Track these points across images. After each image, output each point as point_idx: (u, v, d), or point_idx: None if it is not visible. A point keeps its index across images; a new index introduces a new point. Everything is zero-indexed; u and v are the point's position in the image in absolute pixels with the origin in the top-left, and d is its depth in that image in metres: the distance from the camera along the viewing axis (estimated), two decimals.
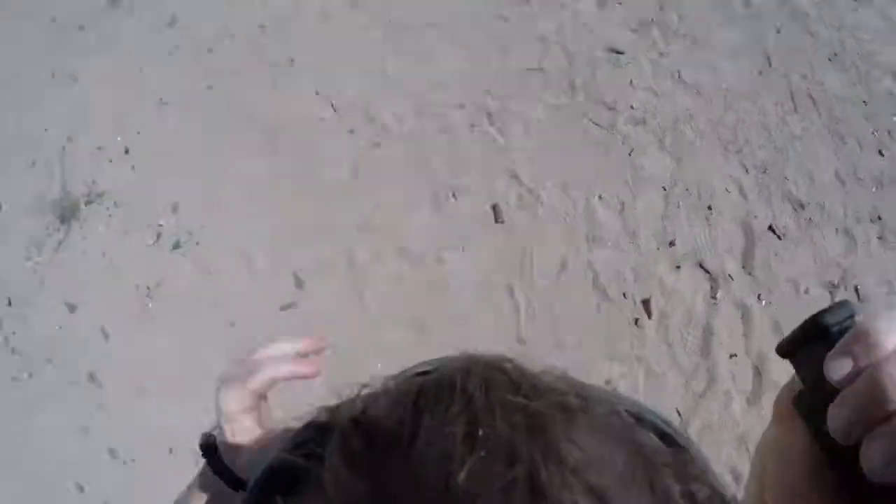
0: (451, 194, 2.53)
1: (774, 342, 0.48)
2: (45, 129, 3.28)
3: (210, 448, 0.55)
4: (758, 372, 2.05)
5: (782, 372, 1.88)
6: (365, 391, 0.27)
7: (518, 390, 0.24)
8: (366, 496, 0.21)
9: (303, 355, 0.59)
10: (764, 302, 2.14)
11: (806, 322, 0.29)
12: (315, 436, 0.26)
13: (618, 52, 2.62)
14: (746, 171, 2.33)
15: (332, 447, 0.23)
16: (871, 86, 2.36)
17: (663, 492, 0.22)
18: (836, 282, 2.11)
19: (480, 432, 0.21)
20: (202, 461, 0.56)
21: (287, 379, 0.56)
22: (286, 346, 0.59)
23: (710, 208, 2.29)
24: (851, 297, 2.09)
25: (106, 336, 2.73)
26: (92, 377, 2.67)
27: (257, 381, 0.54)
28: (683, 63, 2.55)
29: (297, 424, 0.28)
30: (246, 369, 0.55)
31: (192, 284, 2.71)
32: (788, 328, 0.30)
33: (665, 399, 2.06)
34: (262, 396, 0.56)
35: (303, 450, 0.25)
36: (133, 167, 3.05)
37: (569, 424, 0.22)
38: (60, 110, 3.31)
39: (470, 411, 0.22)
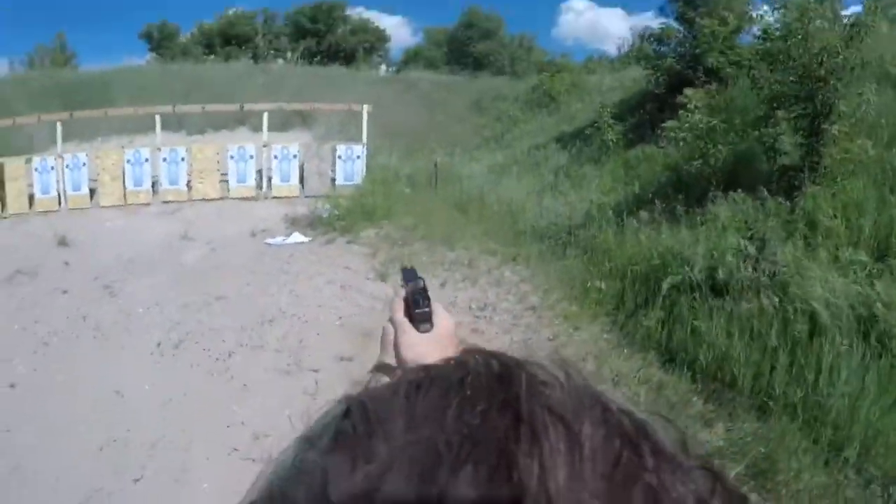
0: None
1: None
2: None
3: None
4: None
5: None
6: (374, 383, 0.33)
7: (504, 361, 0.31)
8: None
9: None
10: None
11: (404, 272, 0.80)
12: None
13: None
14: None
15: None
16: None
17: (617, 424, 0.27)
18: None
19: (470, 379, 0.29)
20: None
21: None
22: None
23: None
24: None
25: None
26: None
27: None
28: None
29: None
30: None
31: None
32: None
33: None
34: None
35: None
36: None
37: (544, 383, 0.29)
38: None
39: (463, 369, 0.30)
